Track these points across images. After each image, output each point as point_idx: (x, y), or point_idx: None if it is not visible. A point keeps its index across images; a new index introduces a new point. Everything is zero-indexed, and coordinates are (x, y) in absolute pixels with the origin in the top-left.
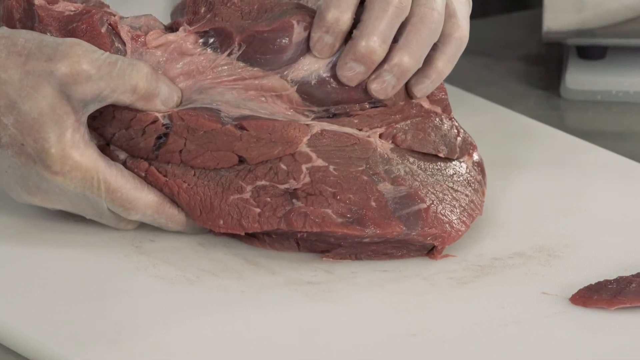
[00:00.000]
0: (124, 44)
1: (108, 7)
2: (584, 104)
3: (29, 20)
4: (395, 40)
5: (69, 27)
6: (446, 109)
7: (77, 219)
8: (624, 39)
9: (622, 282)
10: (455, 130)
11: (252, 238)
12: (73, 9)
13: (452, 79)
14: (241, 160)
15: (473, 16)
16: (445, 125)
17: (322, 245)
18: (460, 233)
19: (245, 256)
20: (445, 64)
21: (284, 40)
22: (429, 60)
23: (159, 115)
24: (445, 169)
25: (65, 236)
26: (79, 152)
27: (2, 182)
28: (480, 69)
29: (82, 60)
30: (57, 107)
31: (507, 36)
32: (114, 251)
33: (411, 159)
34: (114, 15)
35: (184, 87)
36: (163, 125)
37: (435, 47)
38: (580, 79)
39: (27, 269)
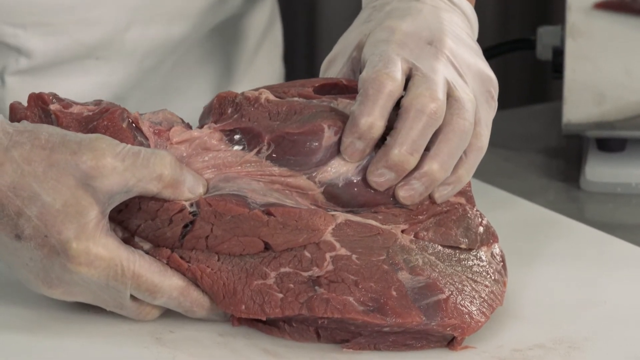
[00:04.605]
0: (146, 138)
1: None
2: (604, 196)
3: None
4: (426, 147)
5: (90, 126)
6: (469, 201)
7: (96, 310)
8: None
9: None
10: (479, 219)
11: (272, 327)
12: (88, 110)
13: None
14: (266, 247)
15: None
16: (468, 215)
17: (342, 334)
18: (480, 324)
19: (265, 347)
20: (467, 171)
21: (314, 144)
22: None
23: (186, 203)
24: (465, 260)
25: (84, 327)
26: (101, 242)
27: (21, 276)
28: (500, 161)
29: (107, 153)
30: (81, 199)
31: (527, 129)
32: (134, 342)
33: (430, 250)
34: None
35: (209, 178)
36: (190, 213)
37: None
38: (600, 171)
39: None
